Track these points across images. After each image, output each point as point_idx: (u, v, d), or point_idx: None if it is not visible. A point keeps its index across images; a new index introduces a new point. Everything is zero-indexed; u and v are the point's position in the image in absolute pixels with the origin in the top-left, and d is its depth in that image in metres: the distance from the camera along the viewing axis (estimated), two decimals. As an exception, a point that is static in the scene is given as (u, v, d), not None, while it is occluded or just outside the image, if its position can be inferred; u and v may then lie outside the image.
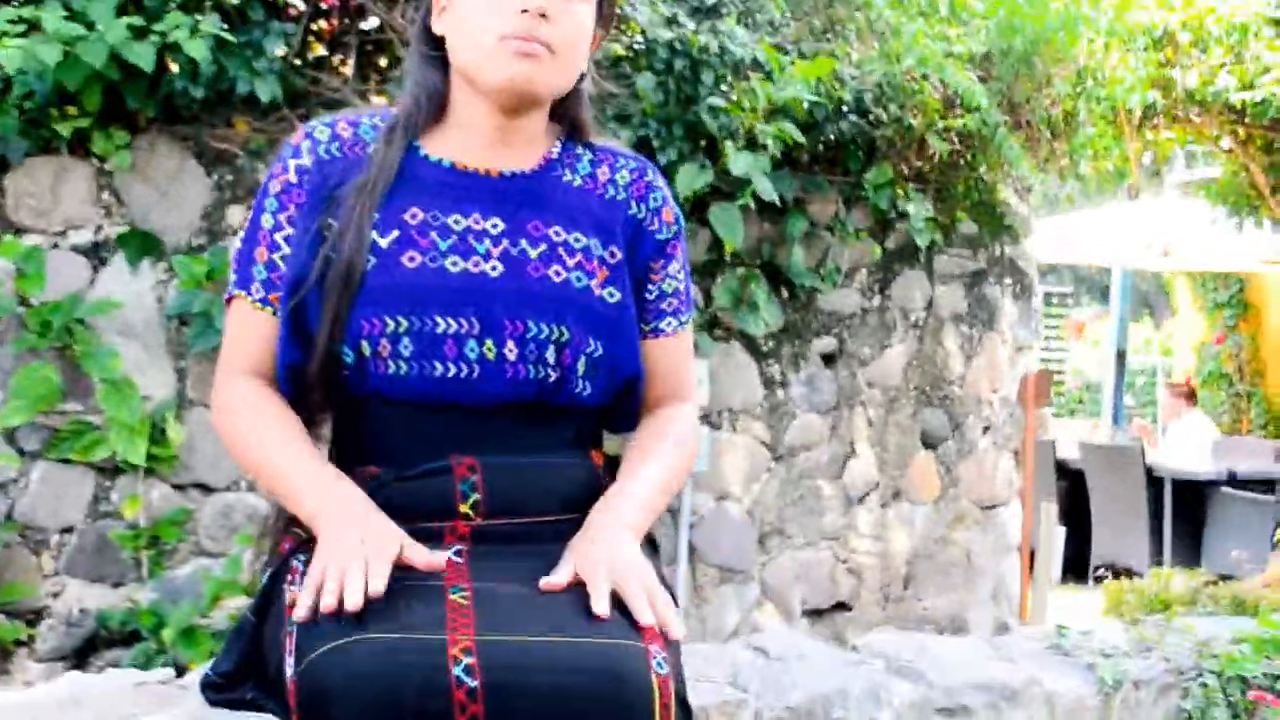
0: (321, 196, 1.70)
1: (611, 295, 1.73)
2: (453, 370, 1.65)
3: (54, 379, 3.85)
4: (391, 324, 1.64)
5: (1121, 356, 12.32)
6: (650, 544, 1.80)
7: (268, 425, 1.68)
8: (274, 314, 1.70)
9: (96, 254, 4.04)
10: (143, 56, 3.71)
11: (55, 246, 4.00)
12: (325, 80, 4.30)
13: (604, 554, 1.58)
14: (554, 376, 1.68)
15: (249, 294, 1.72)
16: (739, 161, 4.36)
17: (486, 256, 1.69)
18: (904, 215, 4.95)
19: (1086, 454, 8.18)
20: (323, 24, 4.56)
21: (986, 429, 5.25)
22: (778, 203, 4.50)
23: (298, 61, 4.30)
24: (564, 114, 1.82)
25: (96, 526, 4.01)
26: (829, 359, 4.97)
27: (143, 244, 4.06)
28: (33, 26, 3.77)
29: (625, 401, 1.79)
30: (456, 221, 1.70)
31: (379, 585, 1.47)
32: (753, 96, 4.37)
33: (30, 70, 3.70)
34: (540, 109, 1.76)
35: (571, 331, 1.68)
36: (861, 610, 5.04)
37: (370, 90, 4.51)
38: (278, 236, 1.71)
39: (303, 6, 4.36)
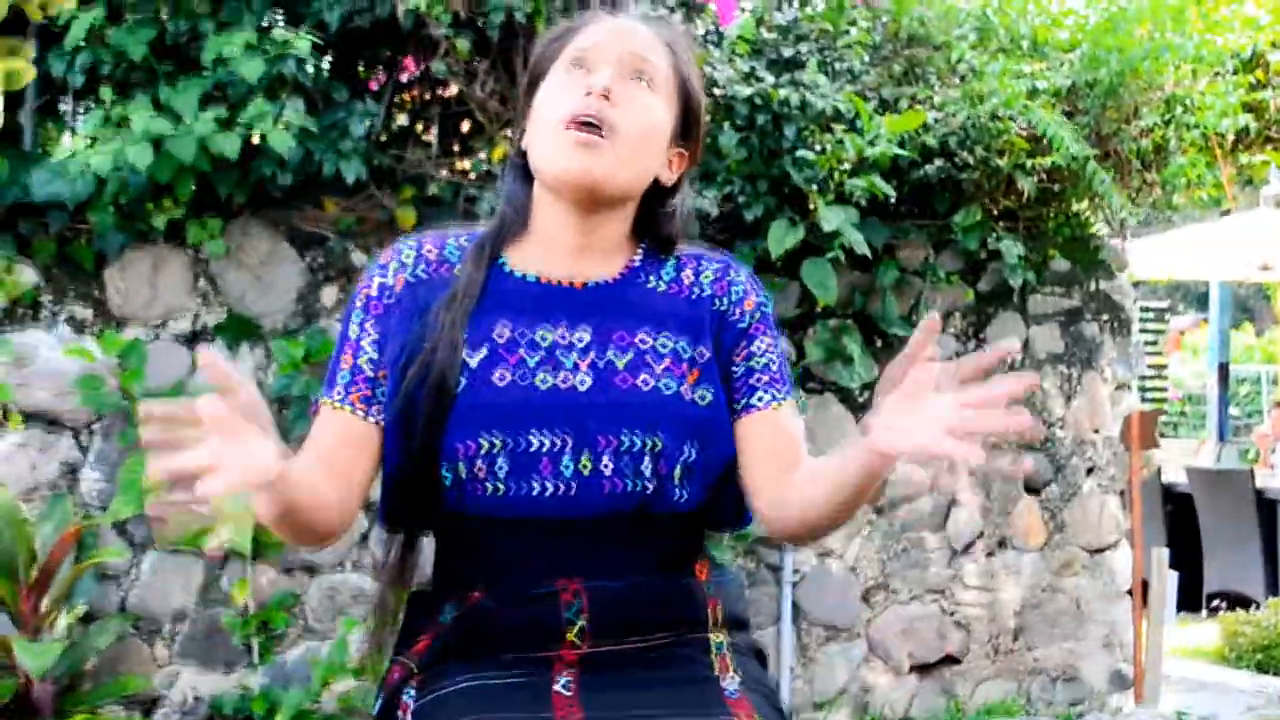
0: (410, 316, 1.70)
1: (703, 397, 1.70)
2: (550, 488, 1.63)
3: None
4: (486, 444, 1.62)
5: (1224, 370, 12.07)
6: (759, 657, 1.78)
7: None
8: (351, 412, 1.69)
9: (196, 341, 4.10)
10: (229, 147, 3.78)
11: (156, 337, 4.07)
12: (409, 156, 4.34)
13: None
14: (651, 487, 1.65)
15: (330, 398, 1.71)
16: (830, 216, 4.33)
17: (575, 369, 1.67)
18: (995, 256, 4.88)
19: (1193, 479, 8.00)
20: (404, 95, 4.61)
21: (1090, 471, 5.15)
22: (868, 254, 4.46)
23: (382, 138, 4.35)
24: (654, 230, 1.81)
25: (207, 613, 4.06)
26: (927, 407, 4.89)
27: (240, 329, 4.12)
28: (122, 123, 3.84)
29: (723, 493, 1.74)
30: (544, 336, 1.69)
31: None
32: (840, 149, 4.34)
33: (123, 168, 3.77)
34: (616, 211, 1.74)
35: (665, 440, 1.65)
36: (971, 663, 4.95)
37: (454, 161, 4.54)
38: (363, 343, 1.71)
39: (383, 78, 4.41)
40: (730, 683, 1.63)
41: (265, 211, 4.17)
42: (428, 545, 1.78)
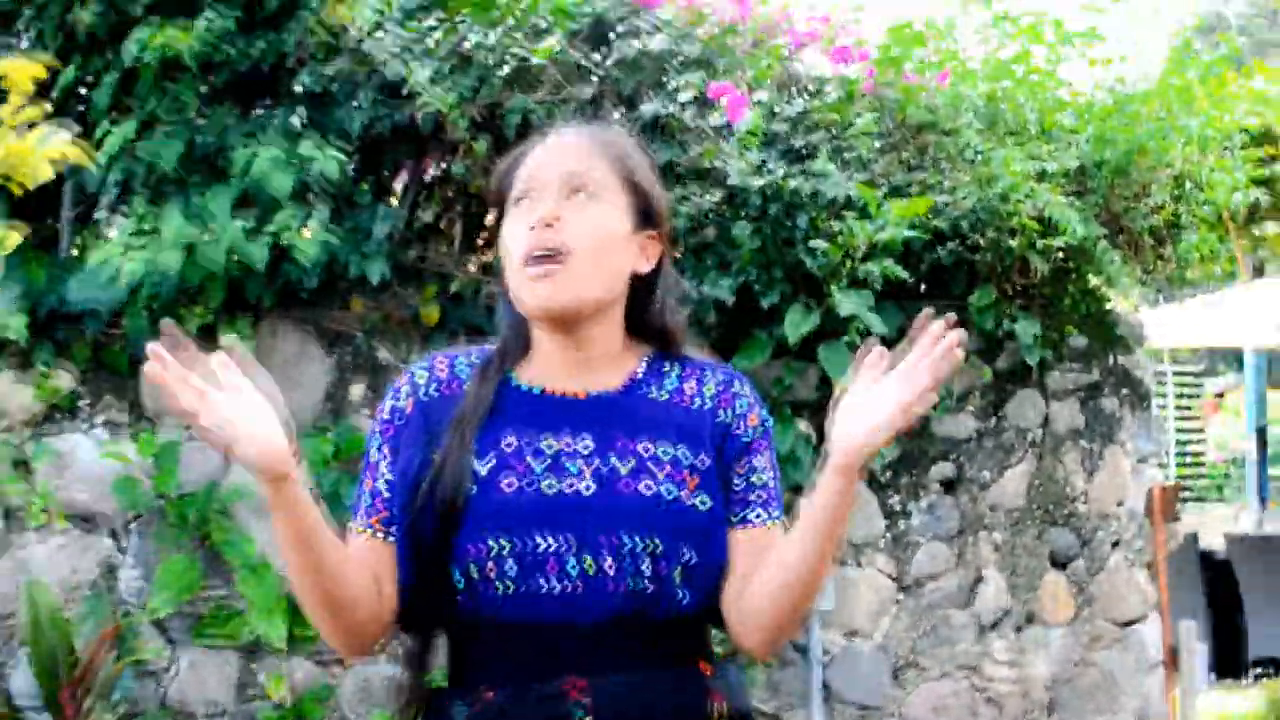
0: (425, 432, 1.80)
1: (703, 503, 1.78)
2: (556, 587, 1.72)
3: (195, 568, 4.02)
4: (494, 546, 1.72)
5: (1262, 433, 12.01)
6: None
7: None
8: (371, 536, 1.79)
9: (228, 440, 4.20)
10: (257, 254, 3.92)
11: (190, 436, 4.18)
12: (432, 254, 4.46)
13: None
14: (652, 588, 1.73)
15: (355, 524, 1.81)
16: (845, 302, 4.42)
17: (579, 475, 1.76)
18: (1012, 335, 4.93)
19: (1232, 546, 7.98)
20: (427, 193, 4.74)
21: (1116, 544, 5.18)
22: (885, 336, 4.53)
23: (406, 235, 4.48)
24: (649, 327, 1.90)
25: (244, 708, 4.14)
26: (949, 485, 4.96)
27: (270, 427, 4.23)
28: (154, 230, 3.99)
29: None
30: (549, 445, 1.78)
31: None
32: (851, 236, 4.43)
33: (155, 273, 3.91)
34: (597, 324, 1.82)
35: (664, 542, 1.73)
36: (1003, 740, 4.96)
37: (478, 255, 4.66)
38: (380, 466, 1.81)
39: (406, 177, 4.55)
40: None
41: (293, 311, 4.29)
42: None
